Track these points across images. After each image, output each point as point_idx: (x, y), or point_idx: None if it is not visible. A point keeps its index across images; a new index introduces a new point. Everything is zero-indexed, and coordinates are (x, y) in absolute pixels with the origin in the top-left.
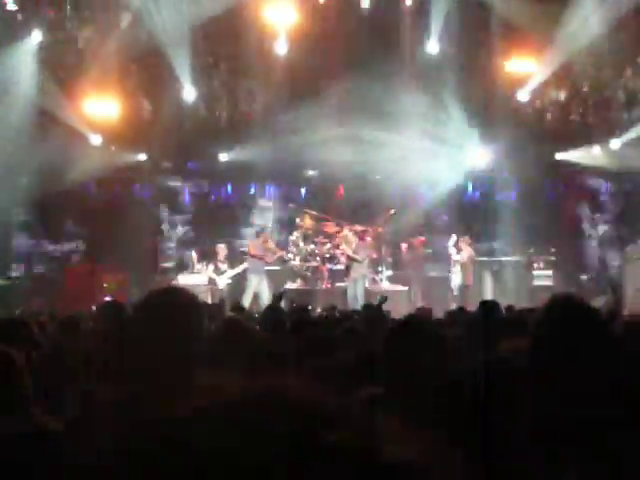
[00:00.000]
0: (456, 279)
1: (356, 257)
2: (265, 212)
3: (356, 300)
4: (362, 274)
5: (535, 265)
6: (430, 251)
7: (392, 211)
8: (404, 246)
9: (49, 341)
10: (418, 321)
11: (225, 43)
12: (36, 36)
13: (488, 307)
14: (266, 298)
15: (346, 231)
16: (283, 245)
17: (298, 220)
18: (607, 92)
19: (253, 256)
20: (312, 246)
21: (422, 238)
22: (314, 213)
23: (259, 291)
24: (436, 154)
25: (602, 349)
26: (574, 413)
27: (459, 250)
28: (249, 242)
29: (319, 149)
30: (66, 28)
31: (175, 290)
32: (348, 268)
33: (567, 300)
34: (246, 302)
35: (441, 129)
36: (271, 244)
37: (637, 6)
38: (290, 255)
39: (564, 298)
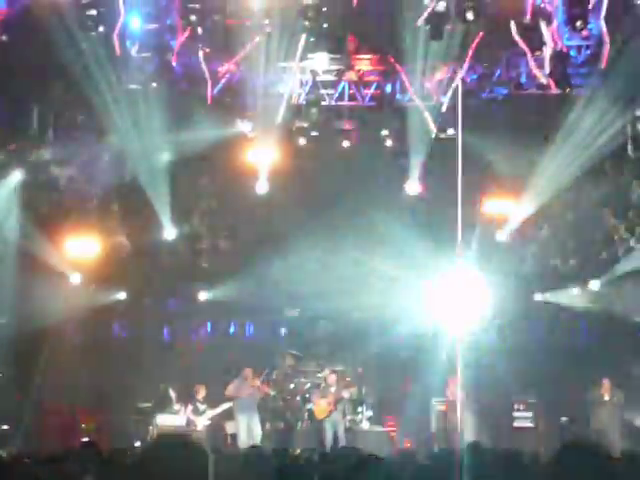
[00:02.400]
0: (439, 419)
1: (343, 397)
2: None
3: (335, 441)
4: (343, 416)
5: (515, 406)
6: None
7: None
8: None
9: None
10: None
11: (206, 182)
12: (16, 176)
13: (474, 449)
14: (257, 437)
15: (327, 372)
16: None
17: (278, 359)
18: (585, 234)
19: (230, 398)
20: (292, 385)
21: (408, 378)
22: (294, 353)
23: (250, 430)
24: (415, 292)
25: None
26: None
27: (449, 391)
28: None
29: (300, 287)
30: (47, 168)
31: (181, 438)
32: (331, 410)
33: (582, 447)
34: (242, 444)
35: (421, 268)
36: (256, 381)
37: (613, 151)
38: (273, 393)
39: (578, 445)
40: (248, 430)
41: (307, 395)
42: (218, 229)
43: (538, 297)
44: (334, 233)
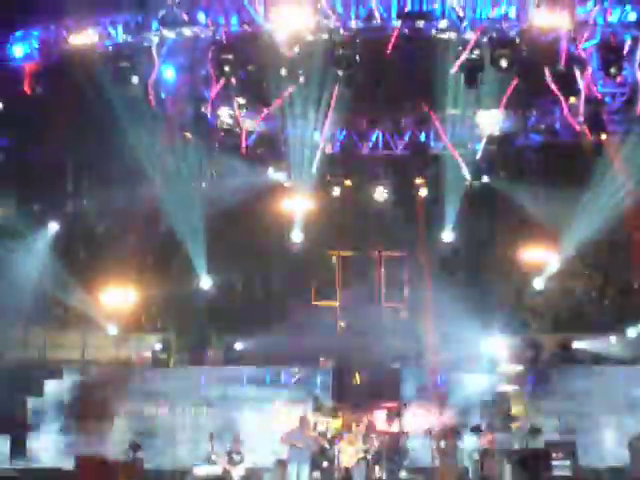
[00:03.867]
0: (476, 468)
1: (373, 446)
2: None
3: None
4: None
5: (554, 455)
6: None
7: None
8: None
9: None
10: None
11: (241, 232)
12: (52, 227)
13: None
14: None
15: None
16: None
17: (316, 407)
18: (622, 280)
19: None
20: (329, 435)
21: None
22: (329, 405)
23: None
24: (454, 342)
25: None
26: None
27: (486, 439)
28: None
29: (335, 336)
30: (82, 219)
31: None
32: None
33: None
34: None
35: (459, 318)
36: (312, 432)
37: None
38: (327, 446)
39: None
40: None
41: (336, 441)
42: (253, 278)
43: (576, 345)
44: (369, 281)
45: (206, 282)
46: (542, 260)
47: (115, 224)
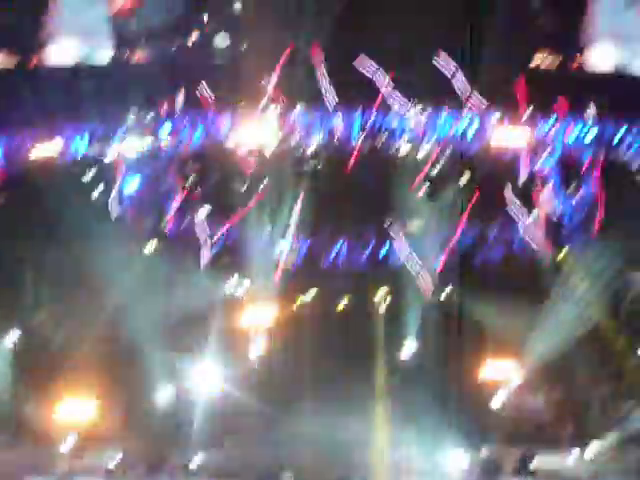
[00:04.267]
0: None
1: None
2: None
3: None
4: None
5: None
6: None
7: None
8: None
9: None
10: None
11: (202, 343)
12: (11, 338)
13: None
14: None
15: None
16: None
17: None
18: (581, 398)
19: None
20: None
21: None
22: None
23: None
24: (413, 456)
25: None
26: None
27: None
28: None
29: (299, 449)
30: (42, 330)
31: None
32: None
33: None
34: None
35: (417, 431)
36: None
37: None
38: None
39: None
40: None
41: None
42: (214, 389)
43: (536, 460)
44: (334, 396)
45: (165, 394)
46: (503, 374)
47: (74, 334)
